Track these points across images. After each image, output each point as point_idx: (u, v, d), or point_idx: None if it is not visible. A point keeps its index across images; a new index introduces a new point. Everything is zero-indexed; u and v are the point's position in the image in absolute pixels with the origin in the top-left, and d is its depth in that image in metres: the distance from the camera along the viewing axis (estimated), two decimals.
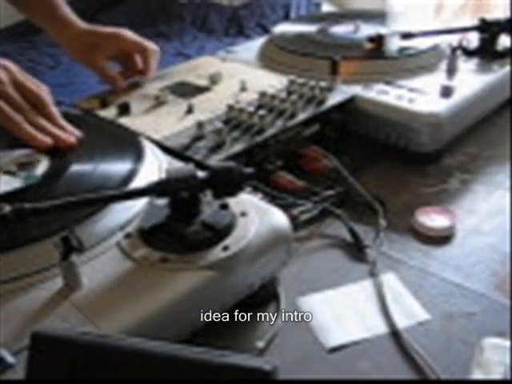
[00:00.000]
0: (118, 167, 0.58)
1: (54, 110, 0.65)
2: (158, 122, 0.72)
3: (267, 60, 0.93)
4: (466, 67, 0.86)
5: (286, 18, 1.68)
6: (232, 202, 0.52)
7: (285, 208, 0.59)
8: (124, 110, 0.75)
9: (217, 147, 0.66)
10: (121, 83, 0.84)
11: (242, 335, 0.51)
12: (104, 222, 0.51)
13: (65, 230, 0.46)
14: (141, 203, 0.54)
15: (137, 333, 0.41)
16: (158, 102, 0.78)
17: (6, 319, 0.42)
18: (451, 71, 0.83)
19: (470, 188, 0.72)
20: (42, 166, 0.59)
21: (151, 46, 0.86)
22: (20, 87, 0.63)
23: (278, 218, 0.53)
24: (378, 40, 0.88)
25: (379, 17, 1.03)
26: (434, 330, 0.51)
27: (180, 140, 0.68)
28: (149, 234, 0.50)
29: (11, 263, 0.46)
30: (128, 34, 0.85)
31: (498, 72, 0.85)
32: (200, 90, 0.82)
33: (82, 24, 0.86)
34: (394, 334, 0.51)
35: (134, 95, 0.81)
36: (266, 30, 1.59)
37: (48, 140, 0.61)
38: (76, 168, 0.58)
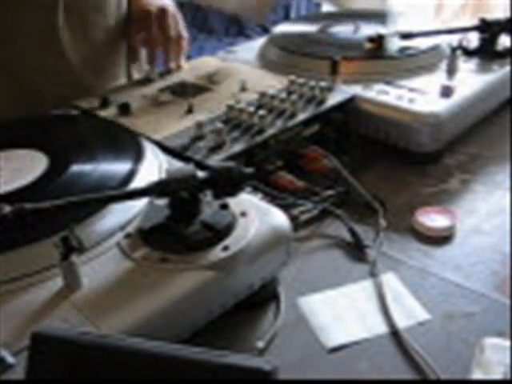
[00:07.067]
0: (117, 167, 0.58)
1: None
2: (158, 122, 0.72)
3: (267, 60, 0.93)
4: (466, 67, 0.85)
5: (286, 18, 1.69)
6: (232, 202, 0.52)
7: (285, 208, 0.59)
8: (124, 110, 0.75)
9: (217, 147, 0.65)
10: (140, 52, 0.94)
11: (242, 335, 0.51)
12: (104, 222, 0.51)
13: (65, 230, 0.46)
14: (141, 203, 0.54)
15: (137, 333, 0.41)
16: (158, 102, 0.78)
17: (6, 319, 0.42)
18: (451, 71, 0.83)
19: (470, 188, 0.72)
20: (42, 166, 0.59)
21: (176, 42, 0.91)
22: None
23: (278, 218, 0.53)
24: (378, 40, 0.88)
25: (379, 17, 1.03)
26: (433, 330, 0.51)
27: (180, 140, 0.68)
28: (149, 234, 0.50)
29: (11, 263, 0.46)
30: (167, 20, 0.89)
31: (498, 72, 0.85)
32: (200, 89, 0.82)
33: None
34: (394, 333, 0.51)
35: (134, 95, 0.81)
36: (265, 30, 1.59)
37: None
38: (76, 168, 0.58)
